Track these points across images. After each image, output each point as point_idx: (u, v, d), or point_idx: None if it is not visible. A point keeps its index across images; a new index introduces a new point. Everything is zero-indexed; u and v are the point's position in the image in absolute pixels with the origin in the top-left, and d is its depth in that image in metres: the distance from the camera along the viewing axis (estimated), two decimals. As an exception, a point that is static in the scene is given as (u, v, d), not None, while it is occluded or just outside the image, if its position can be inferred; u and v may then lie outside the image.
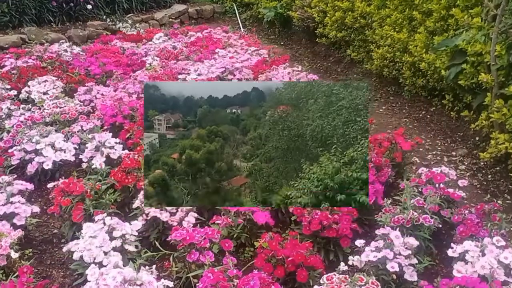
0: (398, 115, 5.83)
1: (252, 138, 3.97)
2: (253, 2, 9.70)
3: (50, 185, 3.46)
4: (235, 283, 2.48)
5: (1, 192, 3.16)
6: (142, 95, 5.01)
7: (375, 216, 3.26)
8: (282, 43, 8.75)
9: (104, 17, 8.55)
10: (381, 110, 6.02)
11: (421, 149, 4.87)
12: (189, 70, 5.93)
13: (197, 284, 2.56)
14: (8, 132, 4.19)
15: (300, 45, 8.46)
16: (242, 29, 9.13)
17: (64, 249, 2.88)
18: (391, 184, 3.85)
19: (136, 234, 2.95)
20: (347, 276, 2.62)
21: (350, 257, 2.88)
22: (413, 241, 2.86)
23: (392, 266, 2.73)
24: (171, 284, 2.54)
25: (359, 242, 2.92)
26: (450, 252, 2.90)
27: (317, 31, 7.59)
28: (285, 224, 3.47)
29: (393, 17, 6.02)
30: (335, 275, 2.64)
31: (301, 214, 3.18)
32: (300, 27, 8.26)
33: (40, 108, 4.63)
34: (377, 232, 2.98)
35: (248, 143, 3.92)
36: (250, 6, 9.95)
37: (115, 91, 5.11)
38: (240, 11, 10.08)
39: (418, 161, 4.54)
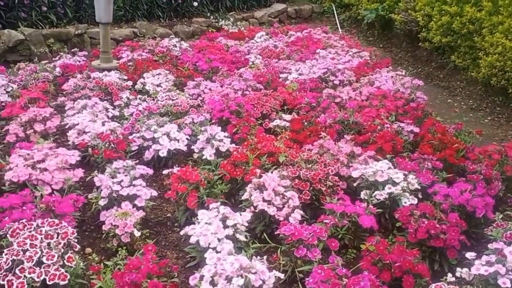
0: (504, 127, 5.59)
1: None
2: (352, 3, 9.66)
3: (165, 172, 3.71)
4: (345, 282, 2.55)
5: (125, 175, 3.44)
6: (247, 92, 5.20)
7: (484, 229, 3.19)
8: (381, 46, 8.65)
9: (208, 14, 8.92)
10: (486, 120, 5.81)
11: (531, 165, 4.64)
12: (290, 69, 6.06)
13: (306, 279, 2.66)
14: (127, 120, 4.54)
15: (400, 48, 8.32)
16: (340, 30, 9.13)
17: (181, 233, 3.09)
18: (500, 198, 3.72)
19: (246, 224, 3.10)
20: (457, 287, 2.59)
21: (458, 269, 2.84)
22: (527, 259, 2.77)
23: (504, 282, 2.67)
24: (282, 275, 2.65)
25: (470, 255, 2.87)
26: None
27: (420, 35, 7.42)
28: (387, 229, 3.47)
29: (506, 25, 5.78)
30: (444, 285, 2.63)
31: (407, 221, 3.18)
32: (401, 30, 8.11)
33: (154, 99, 4.96)
34: (489, 246, 2.91)
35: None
36: (350, 7, 9.91)
37: (221, 86, 5.34)
38: (338, 12, 10.07)
39: (527, 177, 4.34)
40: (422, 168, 3.73)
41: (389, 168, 3.60)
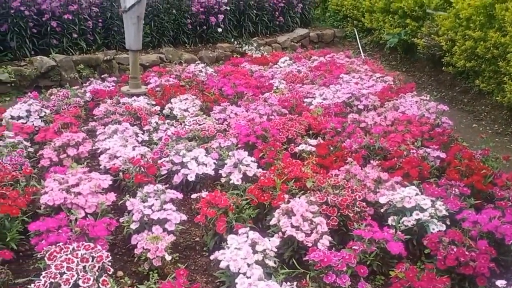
0: (531, 152, 5.53)
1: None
2: (374, 28, 9.74)
3: (193, 196, 3.78)
4: (375, 309, 2.56)
5: (156, 199, 3.52)
6: (272, 117, 5.28)
7: (514, 257, 3.17)
8: (403, 70, 8.68)
9: (232, 39, 9.09)
10: (512, 145, 5.77)
11: (560, 191, 4.58)
12: (314, 94, 6.12)
13: (335, 305, 2.67)
14: (156, 144, 4.65)
15: (423, 72, 8.33)
16: (362, 54, 9.20)
17: (212, 257, 3.14)
18: (530, 226, 3.68)
19: (275, 250, 3.14)
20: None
21: (489, 297, 2.84)
22: (560, 289, 2.74)
23: (537, 312, 2.65)
24: (311, 302, 2.68)
25: (500, 283, 2.85)
26: None
27: (443, 60, 7.44)
28: (415, 256, 3.47)
29: (532, 49, 5.76)
30: (476, 314, 2.62)
31: (436, 248, 3.18)
32: (424, 54, 8.14)
33: (181, 124, 5.07)
34: (520, 274, 2.90)
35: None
36: (372, 32, 9.99)
37: (247, 111, 5.43)
38: (360, 36, 10.17)
39: (558, 204, 4.28)
40: (449, 194, 3.73)
41: (417, 194, 3.61)
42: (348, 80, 6.51)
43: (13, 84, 6.41)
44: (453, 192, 3.75)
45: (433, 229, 3.39)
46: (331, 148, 4.54)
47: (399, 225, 3.43)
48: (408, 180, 3.95)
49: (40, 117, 5.11)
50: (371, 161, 4.22)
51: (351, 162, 4.08)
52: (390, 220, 3.50)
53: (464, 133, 5.97)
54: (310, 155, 4.40)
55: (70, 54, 7.18)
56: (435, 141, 4.63)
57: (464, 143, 5.24)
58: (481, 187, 3.89)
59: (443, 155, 4.36)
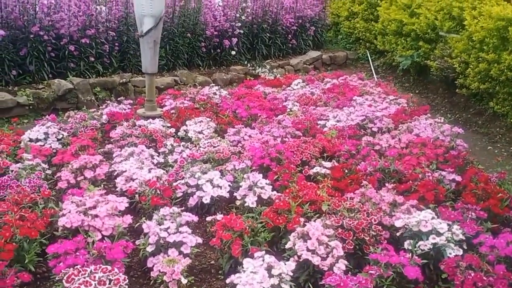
0: (548, 175, 5.47)
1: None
2: (387, 50, 9.79)
3: (208, 219, 3.80)
4: (393, 335, 2.53)
5: (172, 222, 3.54)
6: (286, 139, 5.31)
7: (533, 283, 3.12)
8: (417, 91, 8.69)
9: (245, 62, 9.20)
10: (527, 168, 5.70)
11: None
12: (328, 116, 6.15)
13: (352, 331, 2.65)
14: (171, 166, 4.69)
15: (436, 94, 8.33)
16: (375, 76, 9.24)
17: (227, 281, 3.14)
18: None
19: (291, 274, 3.13)
20: None
21: (508, 324, 2.79)
22: None
23: None
24: (329, 327, 2.66)
25: (520, 310, 2.82)
26: None
27: (457, 82, 7.44)
28: (432, 280, 3.43)
29: (546, 72, 5.75)
30: None
31: (453, 273, 3.15)
32: (437, 76, 8.15)
33: (196, 146, 5.12)
34: (540, 301, 2.85)
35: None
36: (384, 54, 10.04)
37: (261, 133, 5.46)
38: (373, 58, 10.23)
39: None
40: (466, 218, 3.70)
41: (433, 218, 3.59)
42: (362, 102, 6.53)
43: (31, 107, 6.52)
44: (470, 215, 3.72)
45: (450, 253, 3.36)
46: (346, 171, 4.53)
47: (415, 249, 3.40)
48: (424, 204, 3.93)
49: (58, 140, 5.18)
50: (386, 184, 4.21)
51: (366, 185, 4.08)
52: (406, 244, 3.48)
53: (479, 156, 5.94)
54: (325, 178, 4.41)
55: (87, 77, 7.30)
56: (450, 164, 4.61)
57: (479, 166, 5.20)
58: (498, 211, 3.86)
59: (458, 178, 4.33)
